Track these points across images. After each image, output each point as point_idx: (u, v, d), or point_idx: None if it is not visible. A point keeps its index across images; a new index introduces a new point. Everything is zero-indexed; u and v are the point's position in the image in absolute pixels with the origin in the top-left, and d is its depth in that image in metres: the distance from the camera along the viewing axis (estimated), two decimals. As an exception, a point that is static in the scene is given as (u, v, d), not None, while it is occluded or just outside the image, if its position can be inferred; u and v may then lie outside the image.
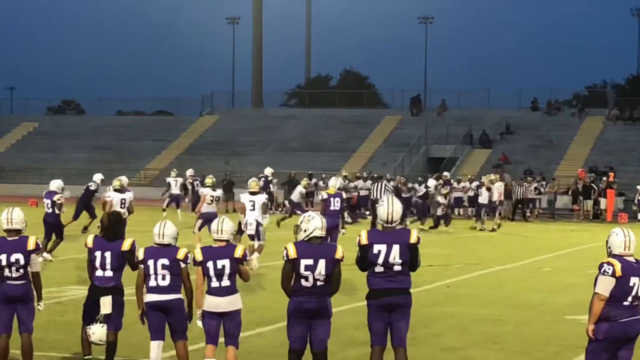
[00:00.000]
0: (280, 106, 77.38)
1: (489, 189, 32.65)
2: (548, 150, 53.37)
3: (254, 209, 19.66)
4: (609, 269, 8.40)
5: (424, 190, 32.84)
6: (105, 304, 9.78)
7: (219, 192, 23.13)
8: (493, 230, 31.84)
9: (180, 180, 35.69)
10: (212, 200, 22.43)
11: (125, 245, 9.89)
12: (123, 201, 21.27)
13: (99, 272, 9.86)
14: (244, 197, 20.06)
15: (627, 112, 57.11)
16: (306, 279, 8.87)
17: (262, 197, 20.05)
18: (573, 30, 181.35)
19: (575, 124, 56.55)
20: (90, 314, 9.91)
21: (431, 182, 33.12)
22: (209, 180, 23.52)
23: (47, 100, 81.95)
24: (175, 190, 34.91)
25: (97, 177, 27.29)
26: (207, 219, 21.68)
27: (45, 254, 19.95)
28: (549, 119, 58.35)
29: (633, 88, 73.14)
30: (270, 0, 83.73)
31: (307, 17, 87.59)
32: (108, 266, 9.83)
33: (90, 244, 9.94)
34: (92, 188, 26.63)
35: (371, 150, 56.55)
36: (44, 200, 20.69)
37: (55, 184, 20.85)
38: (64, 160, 57.83)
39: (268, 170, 37.27)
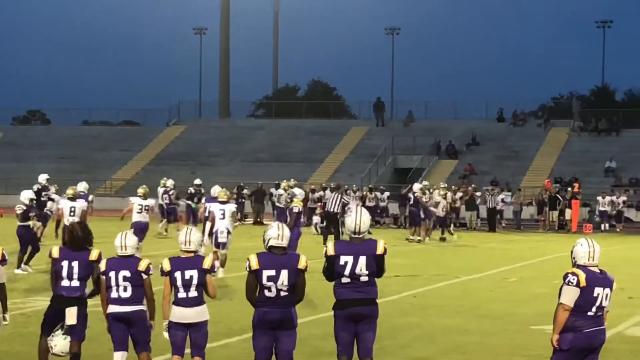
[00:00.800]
0: (248, 117, 77.31)
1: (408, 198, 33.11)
2: (514, 161, 53.71)
3: (224, 218, 20.02)
4: (573, 279, 8.45)
5: (412, 197, 32.52)
6: (71, 315, 9.72)
7: (149, 202, 23.36)
8: (442, 239, 31.85)
9: (164, 189, 33.88)
10: (140, 210, 22.71)
11: (93, 255, 9.86)
12: (72, 209, 20.90)
13: (65, 282, 9.79)
14: (214, 206, 20.36)
15: (591, 123, 57.56)
16: (269, 289, 8.87)
17: (232, 206, 20.58)
18: (539, 41, 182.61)
19: (541, 135, 56.95)
20: (51, 324, 9.82)
21: (416, 186, 33.02)
22: (140, 190, 23.75)
23: (12, 110, 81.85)
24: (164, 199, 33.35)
25: (41, 177, 27.13)
26: (138, 227, 22.07)
27: (23, 265, 19.84)
28: (515, 130, 58.73)
29: (598, 99, 73.74)
30: (237, 11, 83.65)
31: (275, 27, 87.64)
32: (75, 276, 9.78)
33: (56, 254, 9.87)
34: (34, 189, 26.41)
35: (338, 161, 56.65)
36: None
37: (24, 195, 20.70)
38: (30, 171, 57.17)
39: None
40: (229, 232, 20.03)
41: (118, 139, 63.74)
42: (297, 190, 22.49)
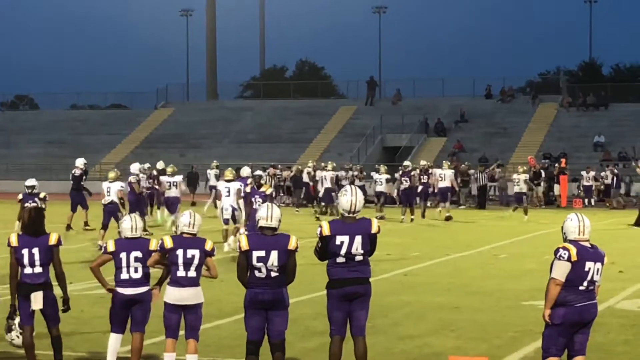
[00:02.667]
0: (236, 98, 77.07)
1: (388, 181, 33.42)
2: (503, 138, 53.74)
3: (229, 195, 21.13)
4: (564, 253, 8.48)
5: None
6: (37, 300, 9.62)
7: (176, 178, 25.43)
8: (449, 218, 31.68)
9: (214, 172, 36.35)
10: (170, 186, 25.03)
11: (53, 240, 9.72)
12: (108, 190, 22.45)
13: (27, 270, 9.64)
14: (220, 185, 21.72)
15: (579, 98, 57.58)
16: (259, 270, 8.88)
17: (237, 184, 21.30)
18: (525, 17, 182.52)
19: (529, 111, 56.95)
20: (28, 312, 9.67)
21: (406, 163, 33.20)
22: (169, 169, 26.18)
23: (0, 95, 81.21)
24: (214, 182, 34.19)
25: (79, 162, 27.73)
26: (168, 201, 25.23)
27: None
28: (503, 106, 58.71)
29: (585, 74, 73.69)
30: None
31: (261, 7, 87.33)
32: (37, 262, 9.63)
33: (15, 242, 9.69)
34: (76, 174, 26.90)
35: (327, 141, 56.59)
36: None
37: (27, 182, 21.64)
38: (19, 156, 57.26)
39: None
40: (234, 209, 21.01)
41: (106, 122, 63.55)
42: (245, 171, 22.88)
